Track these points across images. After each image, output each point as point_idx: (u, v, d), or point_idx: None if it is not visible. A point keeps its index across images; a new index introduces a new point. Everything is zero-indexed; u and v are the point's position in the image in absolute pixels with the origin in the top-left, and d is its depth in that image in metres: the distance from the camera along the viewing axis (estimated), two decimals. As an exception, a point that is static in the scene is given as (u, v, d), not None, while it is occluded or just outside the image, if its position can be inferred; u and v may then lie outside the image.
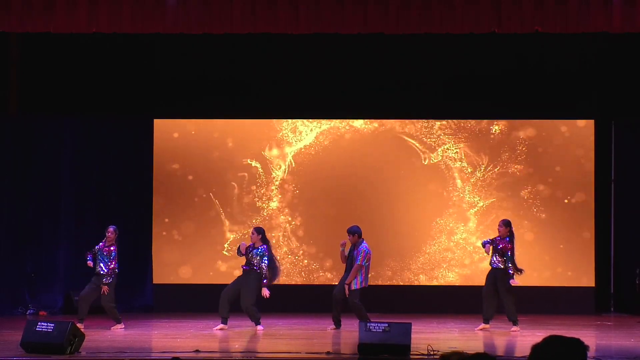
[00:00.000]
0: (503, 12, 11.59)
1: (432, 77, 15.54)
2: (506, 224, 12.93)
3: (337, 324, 12.85)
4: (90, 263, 12.86)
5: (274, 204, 15.68)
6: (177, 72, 15.67)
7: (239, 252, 12.87)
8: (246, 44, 15.00)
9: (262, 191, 15.69)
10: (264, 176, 15.69)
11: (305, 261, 15.61)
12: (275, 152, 15.70)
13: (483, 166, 15.58)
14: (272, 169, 15.69)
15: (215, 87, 15.63)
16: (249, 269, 12.80)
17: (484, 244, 12.98)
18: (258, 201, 15.68)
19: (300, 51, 15.21)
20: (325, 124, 15.71)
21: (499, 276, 12.78)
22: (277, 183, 15.69)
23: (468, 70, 15.53)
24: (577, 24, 11.63)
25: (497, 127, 15.63)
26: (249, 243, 12.96)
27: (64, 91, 15.50)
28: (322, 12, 11.66)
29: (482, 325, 12.78)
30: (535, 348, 4.59)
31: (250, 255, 12.81)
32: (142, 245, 15.51)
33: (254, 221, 15.44)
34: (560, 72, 15.51)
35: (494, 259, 12.84)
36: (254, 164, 15.69)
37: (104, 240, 12.93)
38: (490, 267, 12.96)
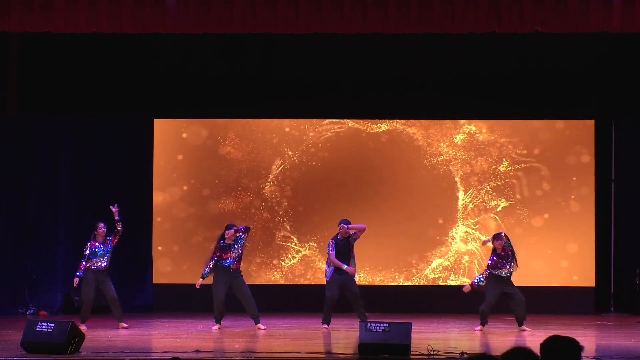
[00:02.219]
0: (503, 12, 11.58)
1: (432, 77, 15.55)
2: (498, 237, 12.90)
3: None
4: (83, 263, 12.84)
5: (275, 204, 15.68)
6: (177, 72, 15.67)
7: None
8: (246, 44, 15.00)
9: (262, 191, 15.70)
10: (264, 176, 15.69)
11: (306, 261, 15.62)
12: (275, 152, 15.70)
13: (484, 166, 15.57)
14: (273, 169, 15.70)
15: (216, 87, 15.63)
16: (239, 266, 12.82)
17: (485, 242, 13.06)
18: (259, 201, 15.68)
19: (300, 51, 15.21)
20: (326, 124, 15.70)
21: (510, 282, 12.75)
22: (277, 183, 15.69)
23: (468, 70, 15.53)
24: (577, 24, 11.63)
25: (497, 127, 15.62)
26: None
27: (64, 91, 15.51)
28: (322, 12, 11.65)
29: (480, 327, 12.77)
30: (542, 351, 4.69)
31: (236, 249, 12.76)
32: (142, 245, 15.51)
33: (254, 220, 15.49)
34: (560, 72, 15.50)
35: (505, 268, 12.74)
36: (254, 163, 15.69)
37: (93, 240, 12.84)
38: (501, 277, 12.77)
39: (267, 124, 15.75)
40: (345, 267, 12.79)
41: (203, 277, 12.83)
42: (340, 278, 12.82)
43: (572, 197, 15.51)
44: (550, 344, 4.78)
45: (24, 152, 15.35)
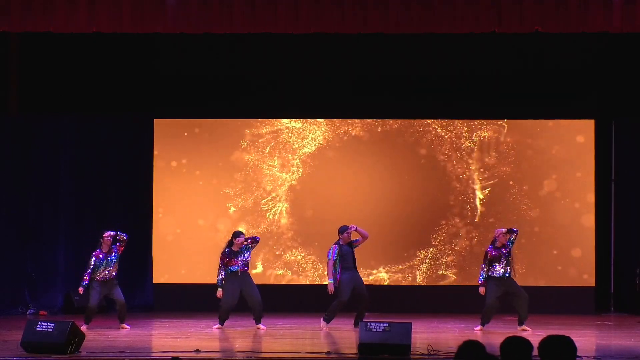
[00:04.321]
0: (503, 12, 11.58)
1: (432, 77, 15.54)
2: (510, 231, 12.85)
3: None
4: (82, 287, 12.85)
5: (276, 204, 15.68)
6: (177, 72, 15.67)
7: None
8: (246, 44, 15.00)
9: (263, 191, 15.69)
10: (266, 175, 15.69)
11: (306, 261, 15.62)
12: (275, 151, 15.70)
13: (484, 166, 15.57)
14: (273, 169, 15.69)
15: (216, 87, 15.63)
16: (246, 269, 12.84)
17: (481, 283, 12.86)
18: (260, 201, 15.68)
19: (300, 51, 15.21)
20: (325, 124, 15.71)
21: (513, 281, 12.72)
22: (278, 183, 15.69)
23: (468, 70, 15.52)
24: (577, 24, 11.63)
25: (497, 127, 15.62)
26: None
27: (64, 91, 15.51)
28: (322, 12, 11.65)
29: (480, 327, 12.74)
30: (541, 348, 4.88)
31: (243, 256, 12.79)
32: (142, 245, 15.50)
33: (254, 220, 15.50)
34: (560, 72, 15.50)
35: (507, 267, 12.70)
36: (255, 163, 15.70)
37: (99, 249, 12.82)
38: (502, 278, 12.67)
39: (267, 124, 15.74)
40: (330, 281, 12.78)
41: (219, 286, 12.80)
42: (352, 281, 12.84)
43: (572, 197, 15.50)
44: (547, 342, 4.96)
45: (24, 152, 15.35)
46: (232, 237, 12.89)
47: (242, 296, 12.80)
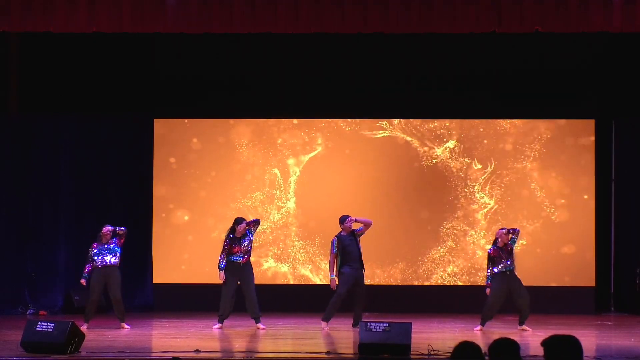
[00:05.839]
0: (503, 12, 11.58)
1: (432, 77, 15.54)
2: (513, 231, 12.88)
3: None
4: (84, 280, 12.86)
5: (275, 204, 15.68)
6: (177, 72, 15.67)
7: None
8: (246, 43, 15.00)
9: (263, 191, 15.70)
10: (266, 175, 15.69)
11: (306, 261, 15.62)
12: (275, 151, 15.70)
13: (485, 166, 15.57)
14: (273, 169, 15.69)
15: (215, 87, 15.63)
16: (246, 259, 12.81)
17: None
18: (260, 201, 15.68)
19: (300, 51, 15.21)
20: (326, 124, 15.71)
21: (517, 278, 12.74)
22: (278, 182, 15.69)
23: (468, 70, 15.53)
24: (577, 24, 11.63)
25: (498, 126, 15.62)
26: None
27: (64, 91, 15.51)
28: (322, 12, 11.65)
29: (480, 327, 12.74)
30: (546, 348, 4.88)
31: (245, 243, 12.79)
32: (142, 245, 15.51)
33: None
34: (560, 72, 15.51)
35: (509, 262, 12.73)
36: (254, 163, 15.70)
37: (97, 241, 12.83)
38: (505, 273, 12.73)
39: (267, 123, 15.74)
40: (332, 277, 12.74)
41: (221, 269, 12.80)
42: (352, 276, 12.81)
43: (572, 196, 15.50)
44: (552, 342, 4.94)
45: (24, 152, 15.35)
46: (233, 224, 12.92)
47: (240, 289, 12.78)
